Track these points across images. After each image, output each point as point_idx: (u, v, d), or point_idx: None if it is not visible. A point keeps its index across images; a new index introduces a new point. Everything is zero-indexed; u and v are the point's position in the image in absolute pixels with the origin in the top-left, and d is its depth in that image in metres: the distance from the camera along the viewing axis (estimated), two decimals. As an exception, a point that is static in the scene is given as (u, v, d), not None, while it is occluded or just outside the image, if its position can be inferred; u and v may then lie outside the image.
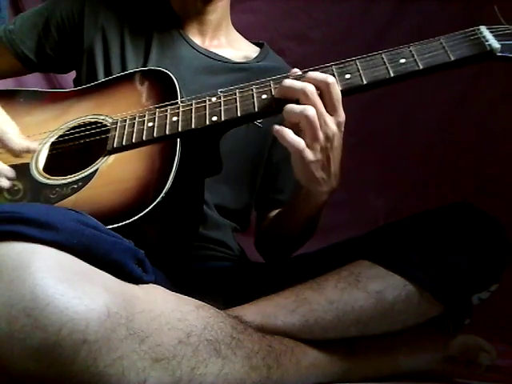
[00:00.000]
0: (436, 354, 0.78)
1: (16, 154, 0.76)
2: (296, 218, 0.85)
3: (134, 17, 0.96)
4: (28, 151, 0.77)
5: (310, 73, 0.69)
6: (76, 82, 0.97)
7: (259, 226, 1.01)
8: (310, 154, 0.68)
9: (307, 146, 0.67)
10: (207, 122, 0.71)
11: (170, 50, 0.94)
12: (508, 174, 1.23)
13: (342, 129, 0.69)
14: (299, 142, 0.67)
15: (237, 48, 1.01)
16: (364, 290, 0.70)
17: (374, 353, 0.75)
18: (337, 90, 0.67)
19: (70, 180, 0.73)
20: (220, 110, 0.72)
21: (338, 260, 0.74)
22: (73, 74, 1.01)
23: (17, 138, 0.76)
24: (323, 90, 0.67)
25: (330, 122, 0.67)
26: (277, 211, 0.98)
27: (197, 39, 0.97)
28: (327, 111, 0.67)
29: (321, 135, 0.67)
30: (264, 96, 0.71)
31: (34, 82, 1.49)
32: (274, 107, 0.70)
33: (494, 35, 0.65)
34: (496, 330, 0.98)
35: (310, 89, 0.66)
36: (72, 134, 0.80)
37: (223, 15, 1.00)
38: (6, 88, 0.96)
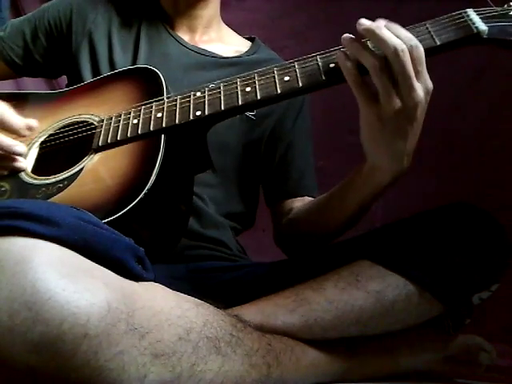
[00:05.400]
0: (436, 353, 0.79)
1: (19, 131, 0.76)
2: (345, 207, 0.78)
3: (121, 17, 0.97)
4: (30, 128, 0.77)
5: (395, 27, 0.62)
6: (68, 87, 0.98)
7: (279, 221, 0.97)
8: (387, 106, 0.62)
9: (383, 99, 0.62)
10: (191, 117, 0.71)
11: (158, 48, 0.95)
12: (508, 174, 1.24)
13: (428, 99, 0.63)
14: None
15: (227, 42, 1.02)
16: (364, 290, 0.70)
17: (374, 353, 0.75)
18: (422, 53, 0.61)
19: (55, 179, 0.73)
20: (204, 104, 0.71)
21: (338, 260, 0.74)
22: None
23: (16, 116, 0.77)
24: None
25: (418, 87, 0.61)
26: (307, 203, 0.93)
27: (186, 36, 0.98)
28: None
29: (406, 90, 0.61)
30: (248, 89, 0.70)
31: (34, 83, 1.50)
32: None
33: (481, 18, 0.64)
34: (496, 330, 0.98)
35: (403, 47, 0.60)
36: (60, 133, 0.80)
37: (214, 12, 1.01)
38: (3, 90, 0.97)
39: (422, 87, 0.62)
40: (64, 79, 1.03)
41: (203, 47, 0.97)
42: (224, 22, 1.06)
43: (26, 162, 0.77)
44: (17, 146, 0.76)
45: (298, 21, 1.51)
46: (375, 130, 0.65)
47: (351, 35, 0.64)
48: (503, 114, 1.28)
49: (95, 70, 0.93)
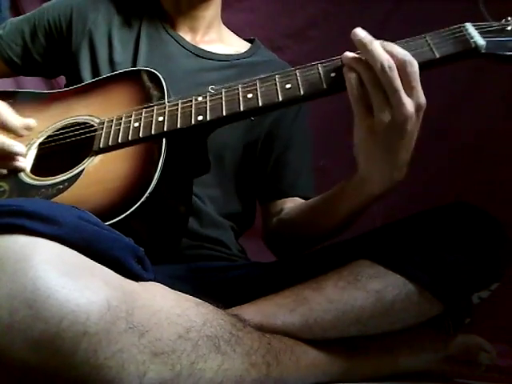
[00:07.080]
0: (436, 353, 0.79)
1: (17, 130, 0.76)
2: (335, 214, 0.79)
3: (122, 17, 0.97)
4: (28, 127, 0.77)
5: (389, 44, 0.63)
6: (66, 87, 0.98)
7: (270, 220, 0.97)
8: (378, 119, 0.62)
9: (376, 112, 0.62)
10: (193, 122, 0.71)
11: (158, 49, 0.95)
12: (508, 174, 1.24)
13: (421, 115, 0.63)
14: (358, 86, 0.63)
15: (227, 43, 1.03)
16: (364, 290, 0.70)
17: (374, 353, 0.75)
18: (416, 69, 0.62)
19: (55, 181, 0.73)
20: (206, 109, 0.72)
21: (338, 260, 0.74)
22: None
23: (13, 115, 0.77)
24: (399, 69, 0.62)
25: (408, 102, 0.61)
26: (299, 205, 0.93)
27: (187, 36, 0.98)
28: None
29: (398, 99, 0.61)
30: (250, 95, 0.70)
31: (33, 82, 1.50)
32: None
33: (479, 32, 0.64)
34: (496, 330, 0.98)
35: (391, 64, 0.61)
36: (59, 134, 0.80)
37: (216, 13, 1.01)
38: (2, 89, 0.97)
39: (412, 102, 0.62)
40: (63, 79, 1.03)
41: (203, 47, 0.98)
42: (224, 21, 1.06)
43: (26, 162, 0.77)
44: (16, 145, 0.76)
45: (297, 21, 1.51)
46: (367, 142, 0.66)
47: (352, 53, 0.65)
48: (503, 114, 1.28)
49: (95, 70, 0.93)
